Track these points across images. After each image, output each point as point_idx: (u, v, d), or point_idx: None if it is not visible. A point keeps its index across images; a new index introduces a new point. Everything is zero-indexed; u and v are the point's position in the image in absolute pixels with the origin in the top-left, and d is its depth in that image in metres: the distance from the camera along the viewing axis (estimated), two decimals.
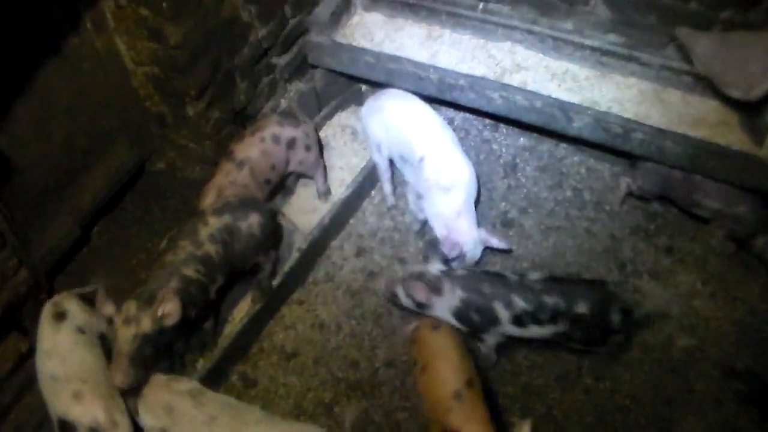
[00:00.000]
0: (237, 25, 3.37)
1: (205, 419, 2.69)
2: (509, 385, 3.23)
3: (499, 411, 3.07)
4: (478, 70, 3.51)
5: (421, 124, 3.50)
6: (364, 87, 4.18)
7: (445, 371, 2.76)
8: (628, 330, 3.18)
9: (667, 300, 3.41)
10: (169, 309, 2.72)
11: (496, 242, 3.38)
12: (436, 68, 3.52)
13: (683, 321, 3.35)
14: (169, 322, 2.73)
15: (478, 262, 3.43)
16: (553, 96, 3.33)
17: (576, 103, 3.30)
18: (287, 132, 3.48)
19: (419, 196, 3.55)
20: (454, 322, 3.08)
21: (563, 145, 3.99)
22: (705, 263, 3.52)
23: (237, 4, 3.32)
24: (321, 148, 3.76)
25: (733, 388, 3.15)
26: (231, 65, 3.44)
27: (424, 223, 3.67)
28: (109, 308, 2.76)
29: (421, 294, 3.05)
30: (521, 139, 4.09)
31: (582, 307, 2.98)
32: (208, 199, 3.26)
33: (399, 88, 3.64)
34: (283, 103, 3.85)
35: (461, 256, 3.32)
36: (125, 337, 2.70)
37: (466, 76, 3.47)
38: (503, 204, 3.84)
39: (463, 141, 3.84)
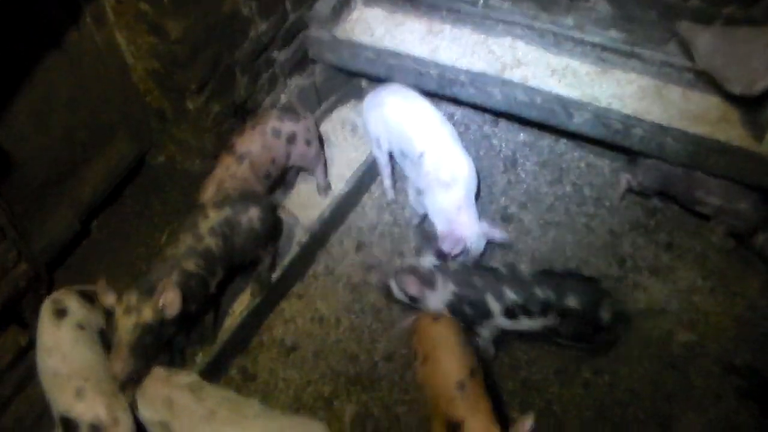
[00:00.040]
0: (237, 19, 3.37)
1: (205, 413, 2.69)
2: (508, 380, 3.24)
3: (500, 402, 3.08)
4: (479, 65, 3.51)
5: (420, 120, 3.50)
6: (364, 82, 4.17)
7: (448, 362, 2.75)
8: (616, 329, 3.18)
9: (666, 295, 3.41)
10: (170, 299, 2.72)
11: (497, 235, 3.39)
12: (436, 63, 3.51)
13: (683, 316, 3.35)
14: (170, 312, 2.74)
15: (481, 255, 3.44)
16: (554, 92, 3.32)
17: (576, 98, 3.29)
18: (288, 126, 3.48)
19: (419, 192, 3.55)
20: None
21: (563, 140, 3.99)
22: (705, 259, 3.52)
23: None
24: (321, 142, 3.76)
25: (732, 383, 3.15)
26: (231, 60, 3.43)
27: (424, 218, 3.67)
28: (110, 298, 2.77)
29: (413, 288, 3.07)
30: (521, 134, 4.09)
31: (572, 301, 3.00)
32: (208, 193, 3.26)
33: (399, 83, 3.64)
34: (283, 98, 3.85)
35: (465, 251, 3.32)
36: (125, 326, 2.70)
37: (467, 71, 3.46)
38: (503, 199, 3.84)
39: (463, 136, 3.84)
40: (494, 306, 3.04)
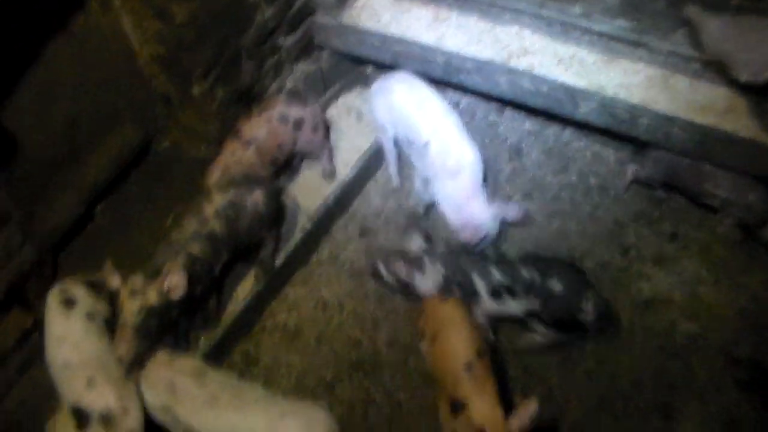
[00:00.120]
0: (243, 4, 3.35)
1: (207, 398, 2.71)
2: (510, 367, 3.24)
3: (505, 385, 3.09)
4: (485, 53, 3.49)
5: (426, 109, 3.49)
6: (370, 68, 4.16)
7: (456, 342, 2.75)
8: (598, 324, 3.16)
9: (670, 286, 3.41)
10: (175, 282, 2.74)
11: (512, 212, 3.39)
12: (442, 51, 3.50)
13: (686, 307, 3.34)
14: (175, 295, 2.75)
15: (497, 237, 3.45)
16: (560, 80, 3.31)
17: (583, 87, 3.27)
18: (294, 112, 3.48)
19: (426, 181, 3.55)
20: None
21: (569, 129, 3.97)
22: (709, 250, 3.51)
23: None
24: (327, 129, 3.76)
25: (734, 375, 3.15)
26: (237, 45, 3.43)
27: (429, 206, 3.67)
28: (116, 280, 2.78)
29: (401, 270, 3.09)
30: (527, 123, 4.07)
31: (555, 285, 3.00)
32: (214, 178, 3.27)
33: (405, 70, 3.63)
34: (289, 84, 3.84)
35: (486, 238, 3.34)
36: (131, 309, 2.72)
37: (473, 59, 3.45)
38: (508, 187, 3.83)
39: (468, 124, 3.83)
40: (480, 285, 3.05)
